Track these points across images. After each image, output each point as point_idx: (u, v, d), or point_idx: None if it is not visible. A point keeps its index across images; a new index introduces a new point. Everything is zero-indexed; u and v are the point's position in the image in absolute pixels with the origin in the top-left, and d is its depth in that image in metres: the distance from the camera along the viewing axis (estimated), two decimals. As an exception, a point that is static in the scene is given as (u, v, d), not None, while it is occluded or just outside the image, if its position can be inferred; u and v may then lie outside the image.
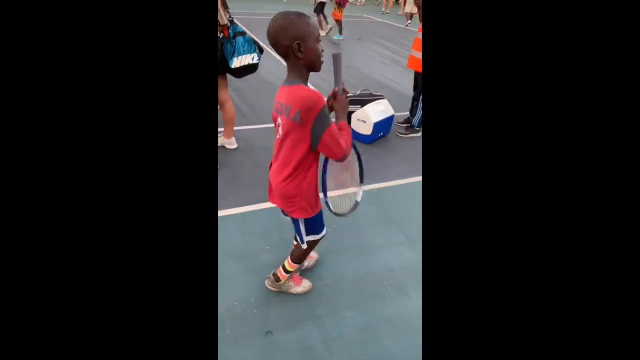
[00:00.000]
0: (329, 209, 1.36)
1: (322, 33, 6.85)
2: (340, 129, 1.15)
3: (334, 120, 1.15)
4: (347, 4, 6.61)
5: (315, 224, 1.31)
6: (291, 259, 1.46)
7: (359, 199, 1.47)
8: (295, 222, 1.31)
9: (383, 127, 2.98)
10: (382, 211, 2.12)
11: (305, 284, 1.56)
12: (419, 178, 2.50)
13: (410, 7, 9.74)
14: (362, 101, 2.95)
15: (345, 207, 1.46)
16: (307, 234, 1.32)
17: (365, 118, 2.87)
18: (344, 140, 1.12)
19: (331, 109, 1.22)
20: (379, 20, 10.64)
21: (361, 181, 1.40)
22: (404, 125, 3.22)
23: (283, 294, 1.53)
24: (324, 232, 1.36)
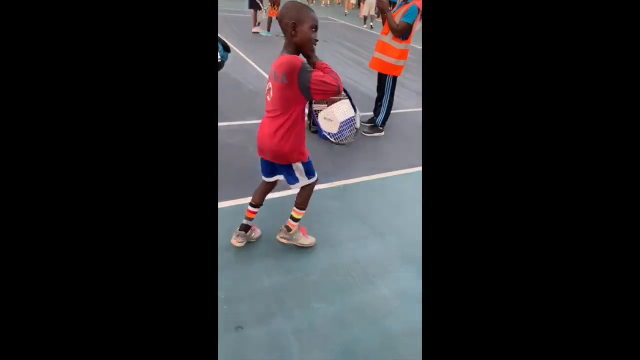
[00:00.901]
0: (330, 140, 1.72)
1: (255, 29, 7.02)
2: (321, 69, 1.37)
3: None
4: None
5: (310, 166, 1.57)
6: (296, 207, 1.69)
7: (358, 125, 1.84)
8: (291, 172, 1.54)
9: (348, 126, 3.06)
10: (348, 206, 2.18)
11: (311, 239, 1.79)
12: (383, 175, 2.60)
13: (367, 10, 10.04)
14: (327, 101, 3.01)
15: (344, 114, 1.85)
16: (308, 176, 1.58)
17: (331, 117, 2.93)
18: (330, 76, 1.33)
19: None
20: (342, 22, 10.83)
21: (355, 110, 1.65)
22: (368, 124, 3.33)
23: (251, 296, 1.53)
24: (316, 176, 1.63)
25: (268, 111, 1.46)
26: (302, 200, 1.67)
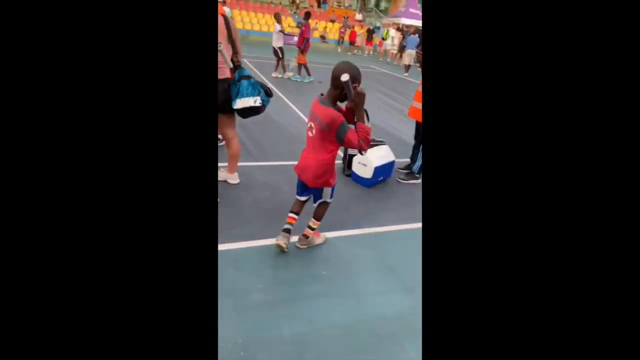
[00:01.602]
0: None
1: (279, 74, 7.32)
2: (358, 130, 1.69)
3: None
4: (309, 48, 7.05)
5: (333, 189, 1.97)
6: (314, 218, 2.01)
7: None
8: (320, 193, 1.93)
9: (383, 171, 3.03)
10: (379, 256, 2.09)
11: (323, 236, 2.14)
12: (417, 225, 2.49)
13: (408, 60, 10.35)
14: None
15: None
16: (331, 197, 1.97)
17: (366, 162, 2.92)
18: (359, 139, 1.67)
19: (352, 115, 1.73)
20: (383, 70, 11.23)
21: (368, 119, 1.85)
22: (405, 171, 3.28)
23: (270, 344, 1.46)
24: (333, 198, 2.00)
25: (311, 145, 1.83)
26: (320, 214, 2.01)
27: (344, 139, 1.67)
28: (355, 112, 1.70)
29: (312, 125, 1.75)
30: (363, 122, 1.71)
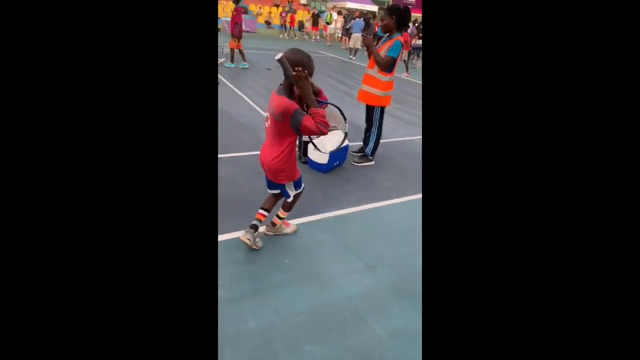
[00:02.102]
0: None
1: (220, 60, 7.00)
2: (313, 115, 1.60)
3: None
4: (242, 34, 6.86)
5: (298, 182, 1.91)
6: (282, 208, 1.98)
7: (346, 129, 2.28)
8: (284, 189, 1.86)
9: (338, 156, 3.06)
10: (340, 239, 2.13)
11: (293, 226, 2.11)
12: (374, 205, 2.57)
13: (353, 43, 10.57)
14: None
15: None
16: (296, 189, 1.91)
17: (321, 147, 2.93)
18: (316, 124, 1.59)
19: (300, 99, 1.65)
20: (330, 55, 11.25)
21: (345, 119, 1.93)
22: (359, 154, 3.34)
23: (236, 338, 1.44)
24: (303, 186, 1.96)
25: (268, 137, 1.76)
26: (288, 205, 1.96)
27: (300, 128, 1.60)
28: (303, 97, 1.62)
29: (268, 115, 1.71)
30: (314, 106, 1.63)
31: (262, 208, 1.94)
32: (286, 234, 2.08)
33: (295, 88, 1.63)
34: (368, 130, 3.27)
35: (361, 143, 3.45)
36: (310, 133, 1.63)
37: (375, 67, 2.95)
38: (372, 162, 3.27)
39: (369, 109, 3.21)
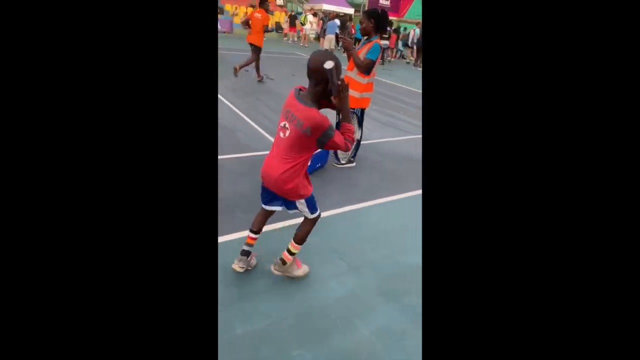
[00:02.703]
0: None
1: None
2: (343, 131, 1.49)
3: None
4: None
5: (312, 202, 1.63)
6: (295, 241, 1.69)
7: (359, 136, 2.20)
8: (294, 206, 1.61)
9: (320, 158, 3.07)
10: (324, 241, 2.14)
11: (305, 268, 1.79)
12: (357, 206, 2.60)
13: (328, 44, 10.71)
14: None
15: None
16: (311, 211, 1.64)
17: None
18: (345, 141, 1.48)
19: (335, 107, 1.53)
20: (305, 56, 11.24)
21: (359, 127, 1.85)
22: (340, 156, 3.37)
23: (223, 345, 1.42)
24: (319, 212, 1.68)
25: (279, 150, 1.51)
26: (303, 235, 1.70)
27: (327, 143, 1.44)
28: (341, 109, 1.48)
29: (287, 125, 1.46)
30: (349, 121, 1.51)
31: (251, 230, 1.74)
32: (296, 277, 1.77)
33: (333, 98, 1.45)
34: (349, 132, 3.31)
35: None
36: (336, 149, 1.49)
37: (355, 70, 2.99)
38: (354, 164, 3.30)
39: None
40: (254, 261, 1.80)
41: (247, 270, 1.75)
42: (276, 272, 1.74)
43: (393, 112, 5.58)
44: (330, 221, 2.37)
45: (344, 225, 2.34)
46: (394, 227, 2.35)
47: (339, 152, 3.39)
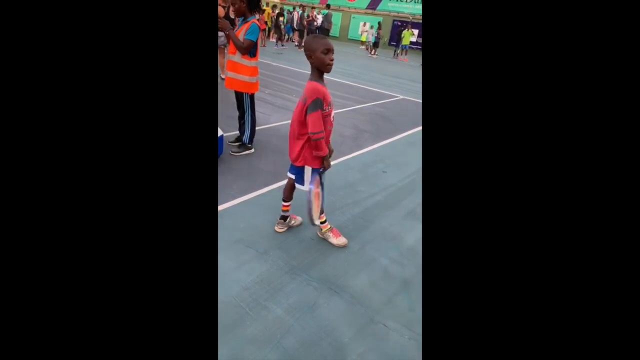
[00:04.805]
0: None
1: None
2: (317, 148, 1.76)
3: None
4: None
5: (314, 176, 1.84)
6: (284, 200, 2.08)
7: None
8: (300, 173, 1.89)
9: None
10: (229, 232, 2.06)
11: (342, 239, 2.06)
12: (259, 192, 2.57)
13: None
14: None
15: None
16: (311, 182, 1.82)
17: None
18: (320, 123, 1.70)
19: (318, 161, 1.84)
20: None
21: None
22: (236, 143, 3.26)
23: None
24: (313, 189, 1.82)
25: (294, 121, 1.81)
26: (313, 207, 1.86)
27: (307, 114, 1.68)
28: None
29: (298, 102, 1.78)
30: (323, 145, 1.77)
31: (283, 200, 2.06)
32: (332, 244, 2.04)
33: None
34: (242, 117, 3.21)
35: (237, 132, 3.36)
36: (310, 124, 1.69)
37: (238, 53, 2.87)
38: (252, 150, 3.24)
39: (239, 96, 3.14)
40: (297, 220, 2.18)
41: (289, 228, 2.13)
42: (320, 235, 2.09)
43: (286, 94, 5.60)
44: (234, 211, 2.29)
45: (248, 214, 2.29)
46: (295, 206, 2.40)
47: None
